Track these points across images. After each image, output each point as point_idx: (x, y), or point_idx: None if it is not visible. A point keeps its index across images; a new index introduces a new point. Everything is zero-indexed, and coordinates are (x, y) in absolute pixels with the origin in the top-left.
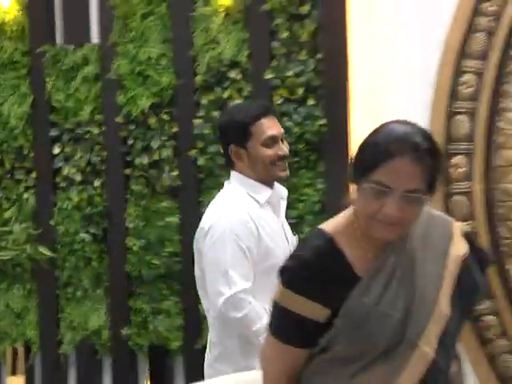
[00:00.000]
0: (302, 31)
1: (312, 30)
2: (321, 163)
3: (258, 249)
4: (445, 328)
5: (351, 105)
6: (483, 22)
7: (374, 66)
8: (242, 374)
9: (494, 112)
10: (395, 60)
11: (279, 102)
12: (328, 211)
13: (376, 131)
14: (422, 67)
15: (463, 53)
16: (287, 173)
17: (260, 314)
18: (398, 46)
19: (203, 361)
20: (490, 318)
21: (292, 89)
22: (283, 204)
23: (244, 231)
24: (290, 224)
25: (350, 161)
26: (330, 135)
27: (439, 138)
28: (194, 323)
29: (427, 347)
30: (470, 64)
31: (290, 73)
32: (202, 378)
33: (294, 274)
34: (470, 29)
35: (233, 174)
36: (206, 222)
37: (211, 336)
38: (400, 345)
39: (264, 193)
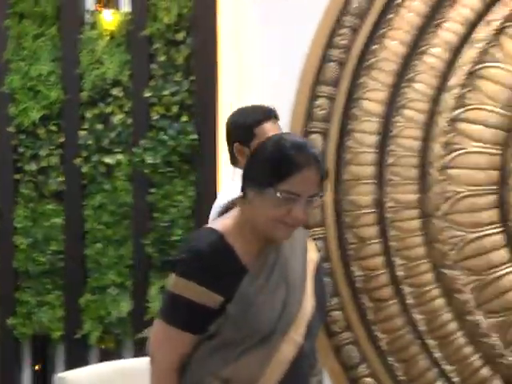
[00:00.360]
0: (178, 55)
1: (186, 54)
2: (192, 173)
3: None
4: (310, 320)
5: (220, 122)
6: (335, 53)
7: (241, 88)
8: (119, 361)
9: (344, 132)
10: (259, 84)
11: (156, 117)
12: (197, 216)
13: (276, 144)
14: (282, 91)
15: (318, 80)
16: None
17: None
18: (261, 72)
19: (82, 349)
20: (337, 314)
21: (168, 106)
22: None
23: None
24: (162, 227)
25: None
26: (201, 148)
27: None
28: (75, 315)
29: (296, 335)
30: (324, 90)
31: (166, 92)
32: (80, 364)
33: (190, 265)
34: (324, 59)
35: (236, 171)
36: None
37: None
38: (275, 332)
39: None
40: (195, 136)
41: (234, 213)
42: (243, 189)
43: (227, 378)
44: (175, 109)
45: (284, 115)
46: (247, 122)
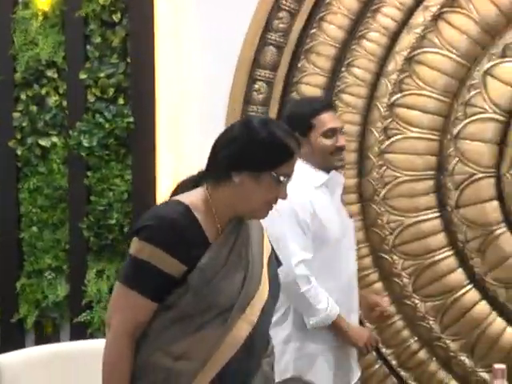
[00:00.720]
0: (114, 37)
1: (122, 36)
2: (129, 156)
3: (313, 223)
4: (266, 302)
5: (157, 105)
6: (273, 37)
7: (178, 70)
8: (55, 345)
9: (282, 116)
10: (197, 67)
11: (92, 100)
12: (134, 199)
13: (266, 130)
14: (220, 74)
15: (256, 64)
16: (343, 163)
17: (319, 297)
18: (199, 55)
19: (18, 333)
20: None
21: (104, 89)
22: (339, 189)
23: (300, 206)
24: (99, 211)
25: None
26: (138, 131)
27: None
28: (10, 299)
29: (252, 315)
30: (262, 74)
31: (102, 74)
32: (16, 348)
33: (158, 232)
34: (262, 43)
35: None
36: None
37: None
38: (232, 308)
39: (320, 177)
40: (132, 119)
41: (198, 191)
42: (224, 173)
43: (180, 354)
44: (111, 91)
45: (222, 98)
46: (305, 113)
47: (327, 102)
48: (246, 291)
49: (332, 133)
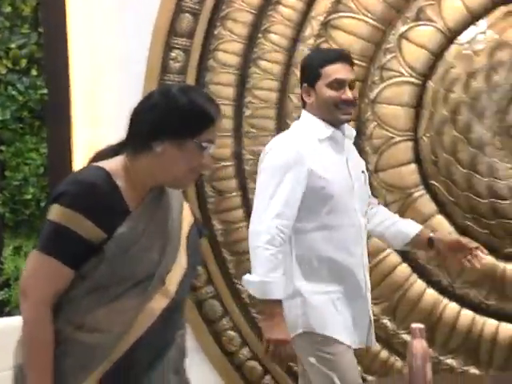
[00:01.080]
0: (24, 6)
1: (33, 5)
2: (44, 129)
3: (310, 178)
4: (184, 274)
5: (72, 75)
6: (189, 3)
7: (93, 42)
8: None
9: (200, 85)
10: (112, 36)
11: (4, 72)
12: (50, 173)
13: (186, 96)
14: (136, 42)
15: (172, 31)
16: (349, 117)
17: (270, 265)
18: (115, 23)
19: None
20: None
21: (16, 60)
22: (348, 142)
23: (294, 160)
24: (14, 186)
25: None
26: (52, 103)
27: None
28: None
29: (170, 286)
30: (179, 41)
31: (13, 45)
32: None
33: (78, 197)
34: (178, 10)
35: (303, 112)
36: (263, 154)
37: None
38: (152, 279)
39: (325, 130)
40: (45, 91)
41: (117, 159)
42: (144, 143)
43: (94, 326)
44: (24, 62)
45: (139, 67)
46: (315, 62)
47: (341, 54)
48: (164, 262)
49: (339, 84)
